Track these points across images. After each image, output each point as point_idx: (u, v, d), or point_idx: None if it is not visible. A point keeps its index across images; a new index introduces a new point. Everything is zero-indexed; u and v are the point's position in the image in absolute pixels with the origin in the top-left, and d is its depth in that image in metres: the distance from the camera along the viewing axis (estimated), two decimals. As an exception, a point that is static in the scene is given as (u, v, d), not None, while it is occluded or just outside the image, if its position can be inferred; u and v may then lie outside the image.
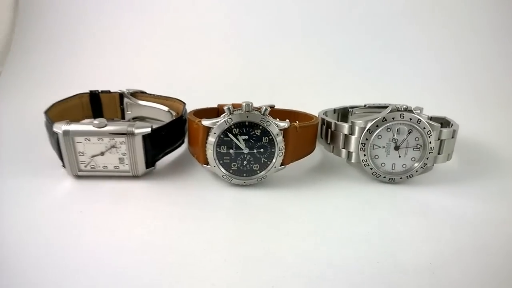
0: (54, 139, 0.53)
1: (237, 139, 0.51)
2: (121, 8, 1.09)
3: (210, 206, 0.50)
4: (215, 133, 0.50)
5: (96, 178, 0.55)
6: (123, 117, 0.78)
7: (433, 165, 0.57)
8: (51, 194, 0.52)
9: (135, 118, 0.77)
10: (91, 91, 0.73)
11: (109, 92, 0.75)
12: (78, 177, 0.56)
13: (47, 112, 0.61)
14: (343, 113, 0.76)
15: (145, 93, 0.76)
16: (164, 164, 0.62)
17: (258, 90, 0.95)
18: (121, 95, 0.75)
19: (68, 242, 0.41)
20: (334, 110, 0.74)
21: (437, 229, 0.46)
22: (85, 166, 0.54)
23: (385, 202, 0.52)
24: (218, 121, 0.50)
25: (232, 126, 0.50)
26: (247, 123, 0.50)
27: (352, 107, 0.75)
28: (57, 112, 0.67)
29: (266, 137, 0.51)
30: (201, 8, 1.08)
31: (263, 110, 0.50)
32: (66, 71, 1.04)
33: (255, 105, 0.51)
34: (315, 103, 0.75)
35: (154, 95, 0.74)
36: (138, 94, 0.75)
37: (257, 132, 0.51)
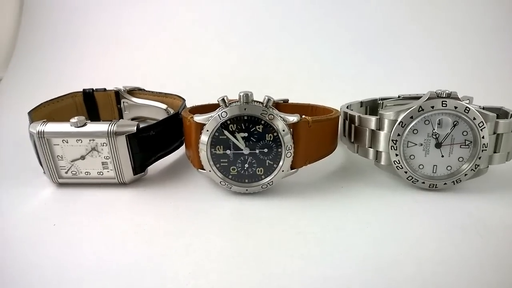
0: (32, 141, 0.50)
1: (235, 137, 0.45)
2: (123, 7, 1.07)
3: (204, 219, 0.44)
4: (207, 131, 0.44)
5: (79, 186, 0.52)
6: (121, 118, 0.74)
7: (487, 167, 0.48)
8: (26, 204, 0.48)
9: (134, 119, 0.73)
10: (84, 90, 0.70)
11: (104, 90, 0.71)
12: (60, 185, 0.52)
13: (31, 113, 0.58)
14: (372, 107, 0.67)
15: (143, 90, 0.72)
16: (157, 170, 0.57)
17: (273, 84, 0.89)
18: (117, 93, 0.72)
19: (32, 259, 0.37)
20: (361, 103, 0.66)
21: (496, 252, 0.37)
22: (66, 172, 0.50)
23: (425, 214, 0.44)
24: (211, 116, 0.44)
25: (228, 122, 0.44)
26: (245, 117, 0.44)
27: (383, 99, 0.66)
28: (47, 113, 0.65)
29: (270, 134, 0.45)
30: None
31: (265, 101, 0.44)
32: (70, 73, 1.03)
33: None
34: (339, 98, 0.67)
35: (152, 92, 0.70)
36: (135, 92, 0.72)
37: (259, 128, 0.44)
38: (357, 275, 0.34)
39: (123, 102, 0.72)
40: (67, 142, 0.48)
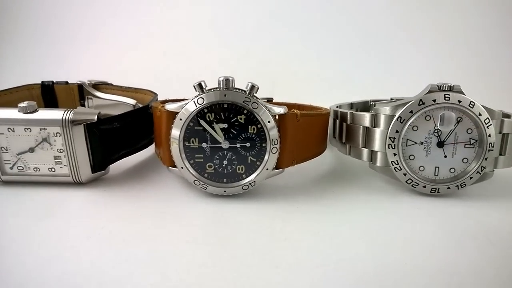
0: (-28, 131, 0.44)
1: (213, 128, 0.40)
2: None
3: (173, 223, 0.39)
4: (181, 120, 0.39)
5: (26, 185, 0.45)
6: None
7: (493, 170, 0.45)
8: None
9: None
10: (43, 82, 0.64)
11: (66, 83, 0.66)
12: (4, 183, 0.45)
13: (-24, 102, 0.52)
14: (363, 109, 0.65)
15: (111, 84, 0.66)
16: (120, 169, 0.52)
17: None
18: (81, 87, 0.66)
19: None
20: (351, 105, 0.63)
21: (509, 261, 0.33)
22: (11, 168, 0.44)
23: (429, 222, 0.40)
24: (185, 103, 0.39)
25: (205, 110, 0.39)
26: (225, 105, 0.39)
27: (375, 101, 0.63)
28: (-2, 105, 0.58)
29: (254, 126, 0.40)
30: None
31: (248, 88, 0.40)
32: (30, 65, 0.97)
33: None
34: (327, 103, 0.64)
35: (121, 86, 0.65)
36: (101, 86, 0.66)
37: (241, 118, 0.40)
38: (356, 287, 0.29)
39: (87, 98, 0.67)
40: (13, 131, 0.42)
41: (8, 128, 0.42)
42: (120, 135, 0.47)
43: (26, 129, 0.42)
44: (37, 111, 0.42)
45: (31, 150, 0.43)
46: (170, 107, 0.40)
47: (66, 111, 0.42)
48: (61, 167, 0.44)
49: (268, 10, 0.98)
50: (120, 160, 0.49)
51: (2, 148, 0.43)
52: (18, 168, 0.44)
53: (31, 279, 0.30)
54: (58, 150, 0.43)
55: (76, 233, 0.36)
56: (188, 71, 0.96)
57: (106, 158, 0.46)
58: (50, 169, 0.44)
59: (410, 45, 0.94)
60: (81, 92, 0.67)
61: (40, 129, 0.42)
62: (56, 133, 0.42)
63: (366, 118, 0.45)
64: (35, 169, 0.44)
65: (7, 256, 0.33)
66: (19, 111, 0.42)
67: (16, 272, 0.30)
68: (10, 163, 0.44)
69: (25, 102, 0.42)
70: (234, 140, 0.41)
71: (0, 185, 0.45)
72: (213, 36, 1.00)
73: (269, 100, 0.62)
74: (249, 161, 0.41)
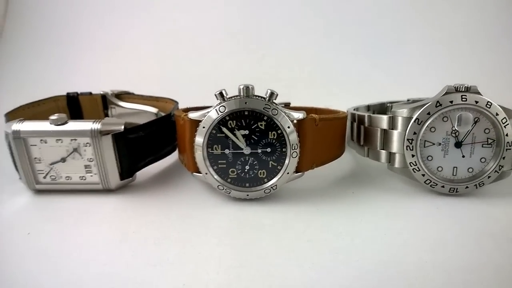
0: (7, 143, 0.47)
1: (235, 134, 0.42)
2: (114, 10, 1.07)
3: (200, 227, 0.41)
4: (204, 128, 0.42)
5: (59, 193, 0.48)
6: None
7: (511, 169, 0.45)
8: (-2, 212, 0.44)
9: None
10: (68, 93, 0.68)
11: (90, 94, 0.69)
12: (38, 191, 0.48)
13: (8, 115, 0.55)
14: (380, 111, 0.66)
15: (132, 94, 0.69)
16: (146, 176, 0.54)
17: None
18: (104, 97, 0.69)
19: (4, 269, 0.34)
20: (368, 107, 0.64)
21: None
22: (44, 177, 0.47)
23: (448, 221, 0.41)
24: (207, 112, 0.42)
25: (227, 117, 0.42)
26: (246, 113, 0.41)
27: (391, 103, 0.64)
28: (26, 117, 0.61)
29: (274, 132, 0.42)
30: None
31: (268, 95, 0.41)
32: (53, 76, 1.01)
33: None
34: (343, 105, 0.65)
35: (142, 96, 0.68)
36: (123, 96, 0.69)
37: (261, 124, 0.42)
38: (379, 285, 0.31)
39: (111, 107, 0.70)
40: (46, 143, 0.45)
41: (41, 140, 0.45)
42: (145, 143, 0.49)
43: (57, 140, 0.45)
44: (67, 122, 0.45)
45: (63, 160, 0.46)
46: (193, 115, 0.43)
47: (94, 122, 0.44)
48: (91, 176, 0.47)
49: (283, 14, 1.00)
50: (146, 167, 0.52)
51: (36, 159, 0.46)
52: (51, 177, 0.47)
53: (70, 281, 0.32)
54: (88, 160, 0.46)
55: (109, 237, 0.39)
56: (205, 77, 0.99)
57: (133, 166, 0.49)
58: (81, 178, 0.47)
59: (424, 46, 0.95)
60: (105, 102, 0.70)
61: (71, 140, 0.45)
62: (86, 143, 0.45)
63: (383, 121, 0.47)
64: (67, 178, 0.47)
65: (46, 259, 0.35)
66: (50, 123, 0.45)
67: (56, 275, 0.33)
68: (43, 173, 0.47)
69: (55, 114, 0.45)
70: (255, 145, 0.43)
71: (35, 194, 0.48)
72: (229, 41, 1.02)
73: (287, 105, 0.64)
74: (270, 166, 0.43)
